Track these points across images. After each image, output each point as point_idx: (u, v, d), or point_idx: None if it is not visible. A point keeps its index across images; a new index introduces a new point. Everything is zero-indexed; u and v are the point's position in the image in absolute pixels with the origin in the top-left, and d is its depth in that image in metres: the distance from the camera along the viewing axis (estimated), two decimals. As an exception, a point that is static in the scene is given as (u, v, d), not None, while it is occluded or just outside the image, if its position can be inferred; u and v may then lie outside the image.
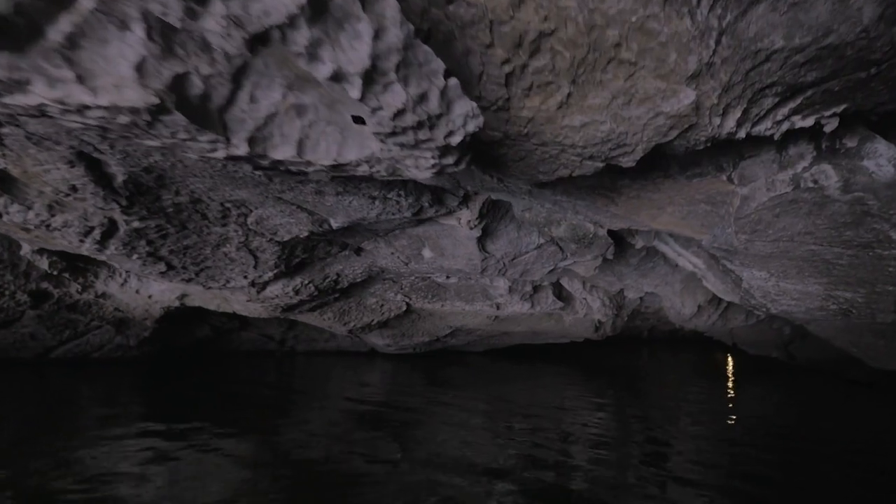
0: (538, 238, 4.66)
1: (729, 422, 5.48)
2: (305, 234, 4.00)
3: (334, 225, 3.88)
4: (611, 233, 5.50)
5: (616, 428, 5.19)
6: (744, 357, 11.22)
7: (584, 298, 8.90)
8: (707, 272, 4.53)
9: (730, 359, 13.03)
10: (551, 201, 3.39)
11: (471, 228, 4.17)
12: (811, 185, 2.87)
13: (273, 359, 10.78)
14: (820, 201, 2.90)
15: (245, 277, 4.77)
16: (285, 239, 4.11)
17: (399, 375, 9.75)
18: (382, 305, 7.22)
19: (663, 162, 2.93)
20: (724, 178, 3.05)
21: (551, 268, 5.30)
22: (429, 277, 6.62)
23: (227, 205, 3.58)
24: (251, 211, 3.73)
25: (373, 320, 7.42)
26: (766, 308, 4.12)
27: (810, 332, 10.34)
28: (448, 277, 6.62)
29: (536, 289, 8.12)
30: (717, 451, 4.16)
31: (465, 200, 3.96)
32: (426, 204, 3.71)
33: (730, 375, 10.48)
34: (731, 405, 6.92)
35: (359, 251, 5.02)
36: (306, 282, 5.24)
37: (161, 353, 8.92)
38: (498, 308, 8.10)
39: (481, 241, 4.56)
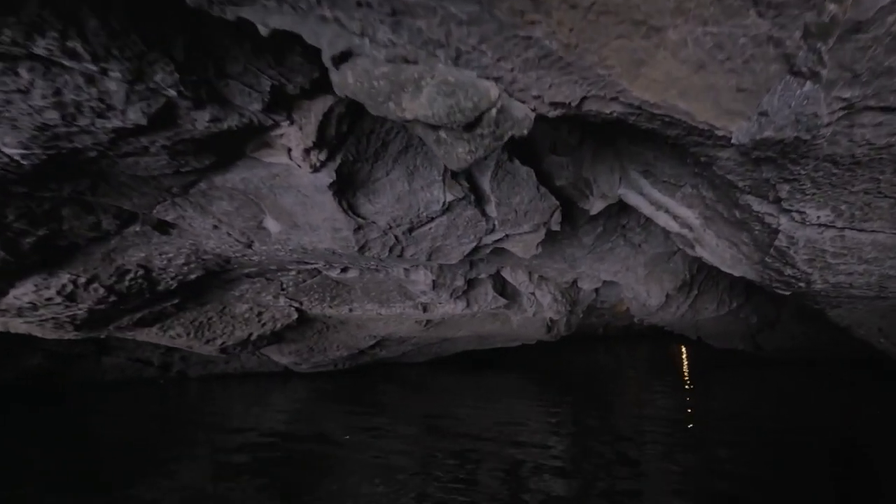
0: (443, 192, 2.84)
1: (698, 423, 5.01)
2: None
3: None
4: (556, 195, 3.80)
5: (576, 449, 4.35)
6: (709, 351, 9.97)
7: (532, 294, 7.21)
8: (704, 231, 2.86)
9: (684, 352, 11.85)
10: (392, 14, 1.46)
11: (314, 169, 2.29)
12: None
13: (155, 388, 8.40)
14: None
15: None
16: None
17: (316, 399, 7.67)
18: (261, 314, 5.17)
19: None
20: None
21: (473, 244, 3.52)
22: (317, 270, 4.67)
23: None
24: None
25: (251, 334, 5.34)
26: (808, 280, 2.53)
27: (781, 320, 9.23)
28: (345, 271, 4.71)
29: (472, 283, 6.32)
30: (690, 462, 3.72)
31: (284, 103, 2.04)
32: (175, 93, 1.73)
33: (685, 371, 9.18)
34: (698, 404, 6.16)
35: (161, 226, 3.02)
36: (84, 280, 3.15)
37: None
38: (425, 310, 6.25)
39: (344, 197, 2.65)
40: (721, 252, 2.87)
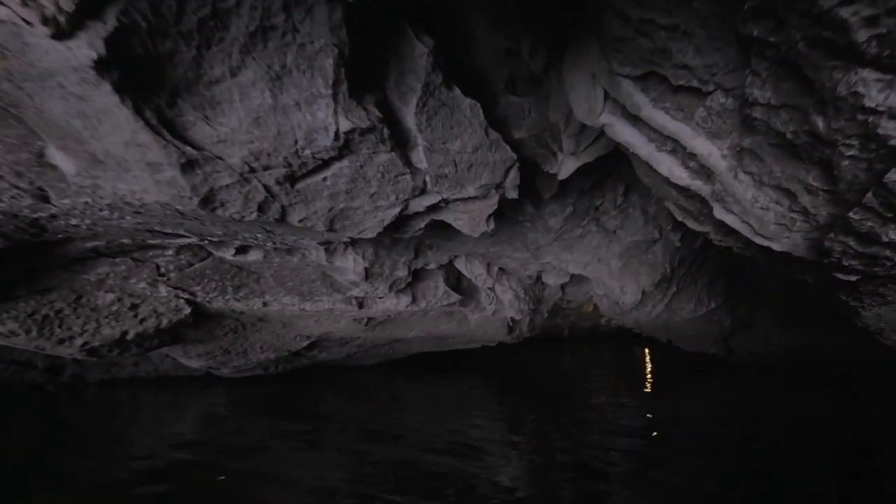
0: (334, 115, 1.73)
1: (670, 433, 4.53)
2: None
3: None
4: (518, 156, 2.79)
5: (534, 464, 3.75)
6: (678, 354, 9.29)
7: (491, 289, 6.22)
8: (735, 176, 1.72)
9: (647, 355, 11.22)
10: None
11: (58, 31, 1.20)
12: None
13: (41, 395, 6.94)
14: None
15: None
16: None
17: (236, 408, 6.41)
18: (136, 307, 3.91)
19: None
20: None
21: (397, 209, 2.45)
22: (205, 250, 3.48)
23: None
24: None
25: (126, 333, 4.07)
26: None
27: (756, 323, 8.63)
28: (243, 252, 3.53)
29: (419, 275, 5.25)
30: (660, 478, 3.31)
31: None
32: None
33: (650, 376, 8.46)
34: (669, 412, 5.49)
35: None
36: None
37: None
38: (361, 306, 5.14)
39: (148, 102, 1.52)
40: (759, 210, 1.88)
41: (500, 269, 5.93)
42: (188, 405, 6.80)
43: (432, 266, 5.08)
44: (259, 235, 2.79)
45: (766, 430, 4.72)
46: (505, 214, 4.23)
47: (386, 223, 2.59)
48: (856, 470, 3.60)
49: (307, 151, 1.92)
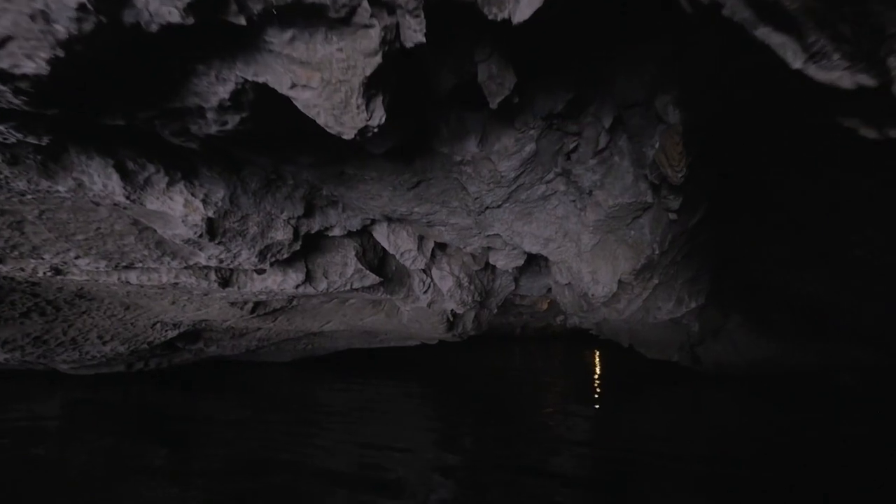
0: None
1: (628, 450, 3.59)
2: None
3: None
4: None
5: (466, 491, 2.82)
6: (637, 361, 8.22)
7: (425, 272, 4.73)
8: None
9: (597, 358, 10.19)
10: None
11: None
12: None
13: None
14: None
15: None
16: None
17: (71, 420, 4.59)
18: None
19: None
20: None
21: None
22: None
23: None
24: None
25: None
26: None
27: (726, 329, 7.69)
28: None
29: (317, 243, 3.68)
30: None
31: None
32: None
33: (597, 381, 7.34)
34: (626, 425, 4.54)
35: None
36: None
37: None
38: (226, 282, 3.49)
39: None
40: None
41: (437, 244, 4.46)
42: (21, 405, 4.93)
43: (337, 232, 3.51)
44: None
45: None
46: (434, 150, 2.74)
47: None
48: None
49: None
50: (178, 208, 2.44)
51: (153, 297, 3.75)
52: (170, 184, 2.39)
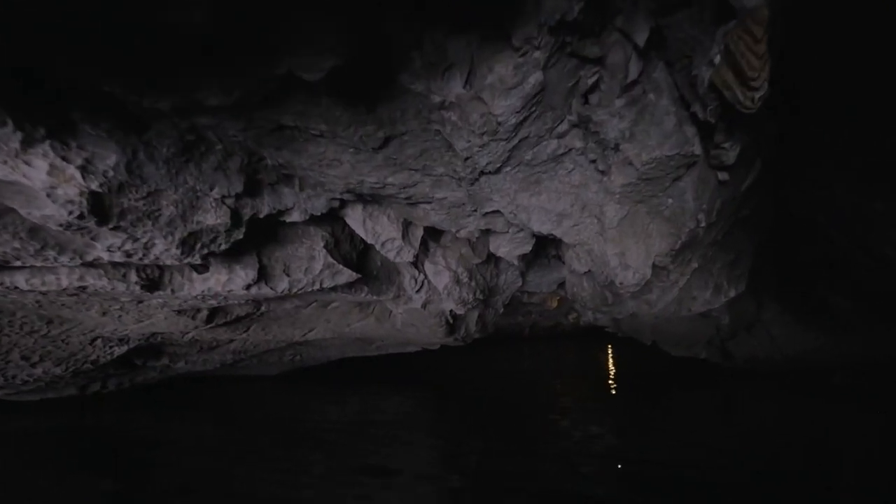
0: None
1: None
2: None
3: None
4: None
5: None
6: (661, 358, 7.38)
7: (414, 265, 3.97)
8: None
9: (610, 356, 9.34)
10: None
11: None
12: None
13: None
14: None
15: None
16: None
17: (18, 450, 3.87)
18: None
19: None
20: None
21: None
22: None
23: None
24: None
25: None
26: None
27: (761, 321, 6.82)
28: None
29: (274, 232, 2.94)
30: None
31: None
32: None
33: (613, 384, 6.50)
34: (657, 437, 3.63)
35: None
36: None
37: None
38: (155, 285, 2.76)
39: None
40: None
41: (429, 233, 3.69)
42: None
43: (296, 217, 2.75)
44: None
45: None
46: (403, 87, 1.97)
47: None
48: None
49: None
50: (39, 176, 1.70)
51: (74, 308, 3.01)
52: (26, 142, 1.65)
